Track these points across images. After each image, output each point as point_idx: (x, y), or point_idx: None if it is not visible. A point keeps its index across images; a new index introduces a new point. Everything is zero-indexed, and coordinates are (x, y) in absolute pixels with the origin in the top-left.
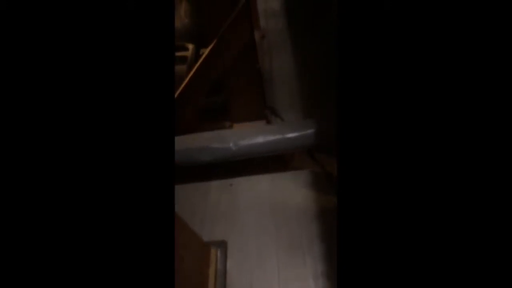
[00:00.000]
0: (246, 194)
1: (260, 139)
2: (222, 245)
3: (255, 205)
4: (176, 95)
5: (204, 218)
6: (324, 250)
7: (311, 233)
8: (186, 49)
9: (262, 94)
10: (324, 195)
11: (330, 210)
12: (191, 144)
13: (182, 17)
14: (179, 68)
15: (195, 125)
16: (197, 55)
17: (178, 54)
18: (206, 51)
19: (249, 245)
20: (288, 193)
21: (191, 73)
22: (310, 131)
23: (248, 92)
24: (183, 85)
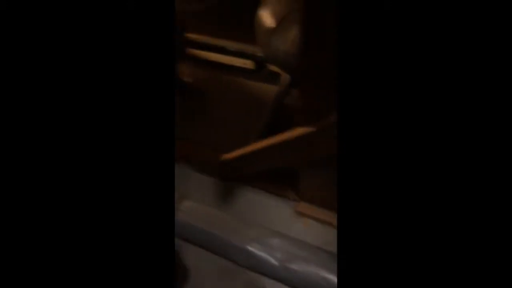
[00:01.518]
0: None
1: (322, 272)
2: None
3: None
4: (248, 151)
5: None
6: None
7: None
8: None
9: None
10: None
11: None
12: (228, 233)
13: (288, 41)
14: (268, 87)
15: (257, 183)
16: (290, 87)
17: (272, 68)
18: (301, 130)
19: None
20: None
21: (275, 140)
22: None
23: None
24: (259, 146)
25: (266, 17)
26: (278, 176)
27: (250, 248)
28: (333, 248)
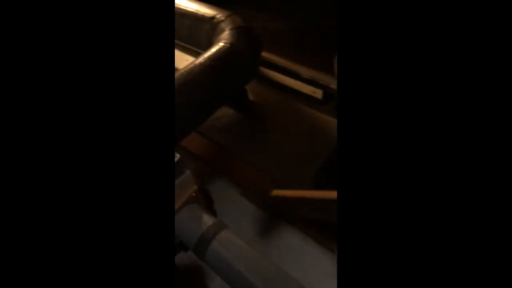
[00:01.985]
0: None
1: None
2: None
3: None
4: (301, 195)
5: None
6: None
7: None
8: None
9: None
10: None
11: None
12: (261, 281)
13: None
14: (333, 121)
15: (302, 225)
16: None
17: None
18: None
19: None
20: None
21: (332, 194)
22: None
23: None
24: (315, 195)
25: None
26: (326, 224)
27: None
28: None
